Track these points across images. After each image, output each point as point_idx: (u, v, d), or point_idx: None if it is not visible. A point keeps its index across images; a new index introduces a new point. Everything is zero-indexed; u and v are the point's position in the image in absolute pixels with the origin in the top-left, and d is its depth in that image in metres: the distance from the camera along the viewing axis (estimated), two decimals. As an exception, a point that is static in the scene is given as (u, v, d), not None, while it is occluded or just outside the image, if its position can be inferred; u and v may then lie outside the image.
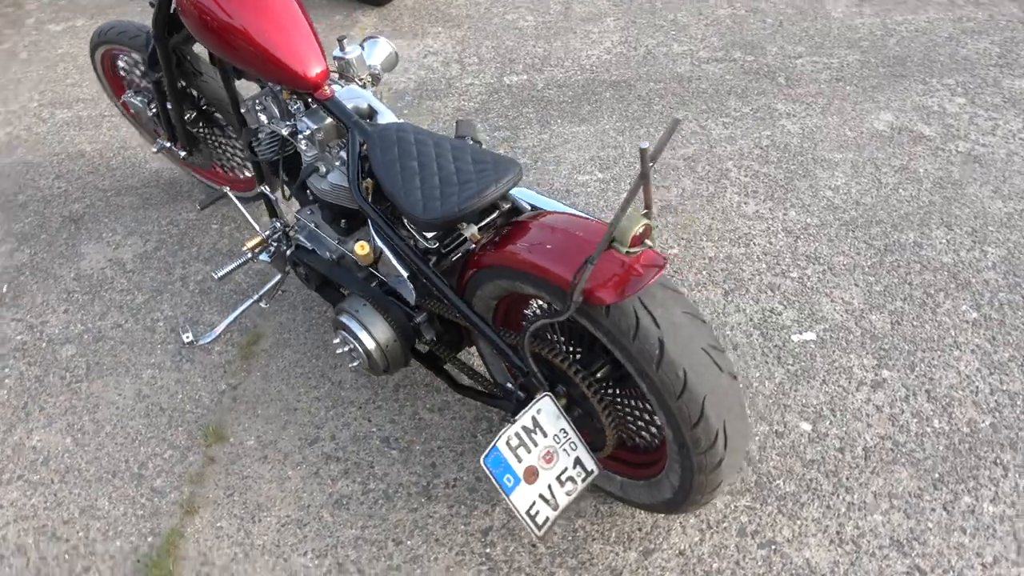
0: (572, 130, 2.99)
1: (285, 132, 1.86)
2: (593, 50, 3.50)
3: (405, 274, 1.68)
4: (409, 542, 1.70)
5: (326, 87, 1.75)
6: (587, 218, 1.48)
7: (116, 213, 2.69)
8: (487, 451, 1.41)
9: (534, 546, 1.68)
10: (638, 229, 1.23)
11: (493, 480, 1.43)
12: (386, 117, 1.84)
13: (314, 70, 1.72)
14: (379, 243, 1.69)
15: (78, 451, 1.93)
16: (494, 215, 1.67)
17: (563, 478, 1.51)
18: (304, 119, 1.80)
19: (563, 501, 1.51)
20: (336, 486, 1.82)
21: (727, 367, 1.36)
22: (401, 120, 1.83)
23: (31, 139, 3.13)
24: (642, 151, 1.11)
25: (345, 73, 1.97)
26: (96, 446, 1.93)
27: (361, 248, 1.67)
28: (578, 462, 1.52)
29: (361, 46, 2.06)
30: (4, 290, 2.41)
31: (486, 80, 3.34)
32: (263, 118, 1.93)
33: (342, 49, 1.94)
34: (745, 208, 2.56)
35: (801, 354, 2.07)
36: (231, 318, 2.04)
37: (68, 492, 1.83)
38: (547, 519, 1.49)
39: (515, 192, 1.75)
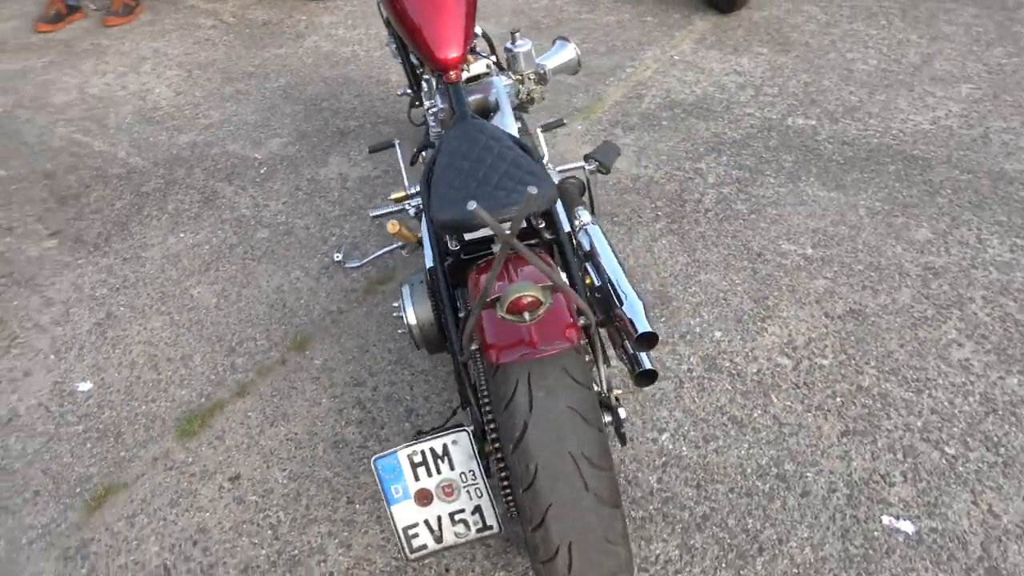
0: (818, 194, 2.64)
1: (427, 105, 1.99)
2: (917, 116, 2.99)
3: (428, 265, 1.72)
4: (359, 506, 1.80)
5: (455, 72, 1.83)
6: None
7: (382, 138, 3.11)
8: (384, 453, 1.42)
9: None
10: (521, 296, 1.13)
11: (379, 483, 1.44)
12: (504, 118, 1.86)
13: (448, 53, 1.81)
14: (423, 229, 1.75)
15: (212, 312, 2.36)
16: (535, 241, 1.62)
17: (456, 518, 1.46)
18: (436, 96, 1.90)
19: (449, 539, 1.47)
20: (345, 430, 1.97)
21: (598, 487, 1.19)
22: (516, 129, 1.84)
23: (363, 60, 3.71)
24: (529, 195, 1.01)
25: (511, 66, 2.02)
26: (225, 314, 2.34)
27: (392, 227, 1.74)
28: (478, 510, 1.46)
29: (553, 43, 2.08)
30: (262, 171, 2.96)
31: (768, 115, 3.07)
32: (425, 88, 2.08)
33: (512, 42, 1.99)
34: (953, 351, 2.05)
35: (878, 541, 1.65)
36: (376, 254, 2.27)
37: (186, 339, 2.27)
38: (424, 547, 1.47)
39: (591, 229, 1.67)
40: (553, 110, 3.21)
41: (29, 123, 3.35)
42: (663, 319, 2.22)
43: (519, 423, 1.20)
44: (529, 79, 2.02)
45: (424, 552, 1.46)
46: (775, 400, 1.98)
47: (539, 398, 1.20)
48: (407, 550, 1.46)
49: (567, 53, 2.10)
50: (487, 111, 1.89)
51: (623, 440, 1.56)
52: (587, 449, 1.19)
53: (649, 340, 1.47)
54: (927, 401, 1.94)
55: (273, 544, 1.74)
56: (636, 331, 1.47)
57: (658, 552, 1.68)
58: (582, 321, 1.24)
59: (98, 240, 2.67)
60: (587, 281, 1.64)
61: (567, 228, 1.70)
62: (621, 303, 1.53)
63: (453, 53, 1.82)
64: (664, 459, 1.86)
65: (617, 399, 1.54)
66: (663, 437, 1.91)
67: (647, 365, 1.50)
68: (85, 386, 2.14)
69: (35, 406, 2.10)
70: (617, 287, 1.55)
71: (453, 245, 1.64)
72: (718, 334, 2.17)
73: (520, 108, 2.15)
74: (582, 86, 3.38)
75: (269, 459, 1.92)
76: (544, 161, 1.97)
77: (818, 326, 2.17)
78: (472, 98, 1.87)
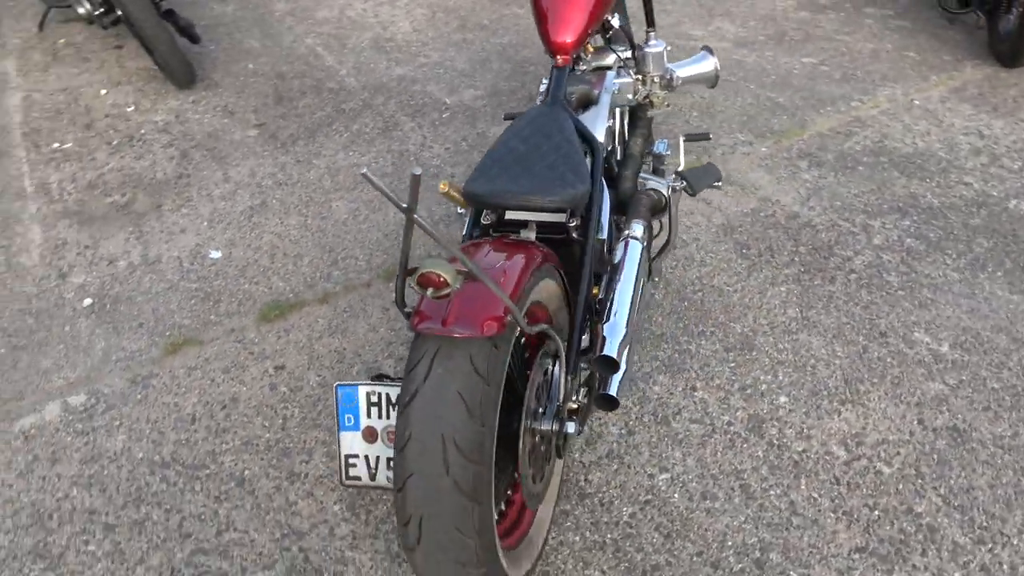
0: (995, 292, 2.28)
1: (542, 85, 2.02)
2: None
3: (463, 234, 1.78)
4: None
5: (562, 57, 1.83)
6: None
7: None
8: (348, 383, 1.54)
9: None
10: (429, 272, 1.15)
11: (335, 407, 1.56)
12: (598, 114, 1.83)
13: (559, 38, 1.82)
14: None
15: (338, 226, 2.61)
16: (562, 236, 1.62)
17: (392, 464, 1.54)
18: (545, 78, 1.93)
19: (380, 481, 1.56)
20: (384, 362, 2.12)
21: (460, 476, 1.20)
22: (606, 127, 1.81)
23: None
24: (413, 175, 1.06)
25: (639, 65, 1.98)
26: (347, 231, 2.59)
27: (442, 186, 1.80)
28: (410, 464, 1.52)
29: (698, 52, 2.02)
30: (444, 115, 3.17)
31: (989, 190, 2.68)
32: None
33: (645, 42, 1.95)
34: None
35: None
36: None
37: (306, 241, 2.55)
38: (358, 479, 1.57)
39: (631, 244, 1.64)
40: (750, 127, 3.05)
41: (290, 30, 3.86)
42: (732, 363, 2.08)
43: (411, 389, 1.24)
44: (653, 81, 1.96)
45: (357, 483, 1.57)
46: (803, 486, 1.79)
47: (436, 373, 1.23)
48: (343, 475, 1.57)
49: (705, 65, 2.00)
50: (589, 103, 1.88)
51: (558, 453, 1.53)
52: (460, 437, 1.20)
53: (609, 365, 1.43)
54: (983, 556, 1.64)
55: (277, 433, 1.95)
56: (600, 351, 1.43)
57: (590, 581, 1.63)
58: (508, 318, 1.24)
59: (287, 140, 3.05)
60: (594, 291, 1.61)
61: (603, 235, 1.67)
62: (605, 320, 1.49)
63: (564, 39, 1.82)
64: (649, 497, 1.78)
65: (571, 413, 1.51)
66: (661, 476, 1.82)
67: (611, 391, 1.45)
68: (215, 254, 2.50)
69: (174, 258, 2.50)
70: (613, 305, 1.51)
71: (485, 219, 1.69)
72: (783, 399, 1.99)
73: (640, 109, 2.09)
74: (790, 108, 3.16)
75: (313, 362, 2.13)
76: (678, 170, 1.92)
77: (903, 431, 1.90)
78: (578, 87, 1.87)
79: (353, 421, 1.56)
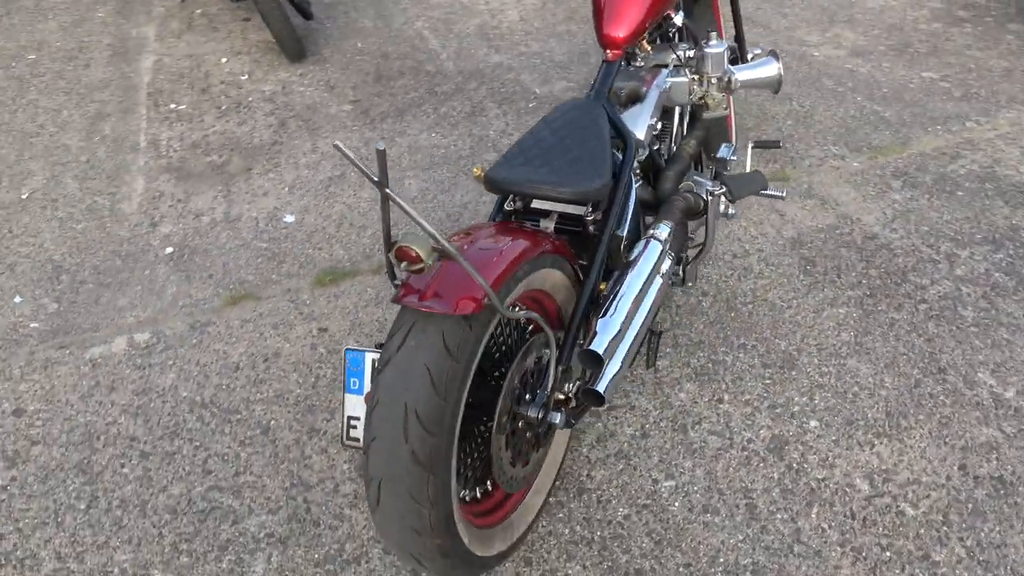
0: (1083, 338, 2.08)
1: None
2: None
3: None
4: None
5: (611, 52, 1.82)
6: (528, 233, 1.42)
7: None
8: (357, 348, 1.61)
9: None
10: (405, 246, 1.19)
11: (343, 369, 1.64)
12: (642, 110, 1.81)
13: (612, 32, 1.81)
14: None
15: (406, 202, 2.70)
16: (577, 228, 1.63)
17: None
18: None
19: (375, 444, 1.62)
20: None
21: (417, 446, 1.24)
22: (645, 131, 1.79)
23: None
24: (379, 152, 1.11)
25: (698, 65, 1.94)
26: (413, 207, 2.68)
27: (476, 171, 1.83)
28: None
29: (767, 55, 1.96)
30: (531, 105, 3.20)
31: (1103, 228, 2.43)
32: None
33: (707, 41, 1.91)
34: None
35: None
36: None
37: (372, 215, 2.65)
38: (357, 440, 1.64)
39: (651, 245, 1.63)
40: (846, 140, 2.91)
41: (403, 12, 4.00)
42: (767, 380, 2.01)
43: (385, 358, 1.29)
44: (710, 82, 1.91)
45: (355, 444, 1.64)
46: (814, 515, 1.71)
47: (408, 346, 1.27)
48: (344, 435, 1.64)
49: (767, 71, 1.93)
50: (637, 99, 1.86)
51: (537, 442, 1.54)
52: (421, 408, 1.24)
53: (593, 360, 1.43)
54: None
55: (308, 390, 2.06)
56: (587, 345, 1.43)
57: (571, 573, 1.63)
58: (486, 300, 1.26)
59: (377, 116, 3.17)
60: (601, 286, 1.60)
61: (623, 231, 1.66)
62: (602, 315, 1.48)
63: (617, 33, 1.81)
64: (648, 502, 1.76)
65: (558, 404, 1.52)
66: (665, 483, 1.79)
67: (599, 387, 1.45)
68: (289, 219, 2.66)
69: (252, 218, 2.68)
70: (614, 302, 1.50)
71: (509, 205, 1.71)
72: (813, 423, 1.91)
73: (698, 110, 2.04)
74: (895, 123, 2.98)
75: (354, 329, 2.23)
76: (725, 174, 1.88)
77: (939, 474, 1.78)
78: (628, 83, 1.86)
79: (358, 385, 1.62)
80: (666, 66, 1.95)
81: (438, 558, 1.34)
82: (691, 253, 1.97)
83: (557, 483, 1.78)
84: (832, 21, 3.80)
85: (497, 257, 1.35)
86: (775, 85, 1.95)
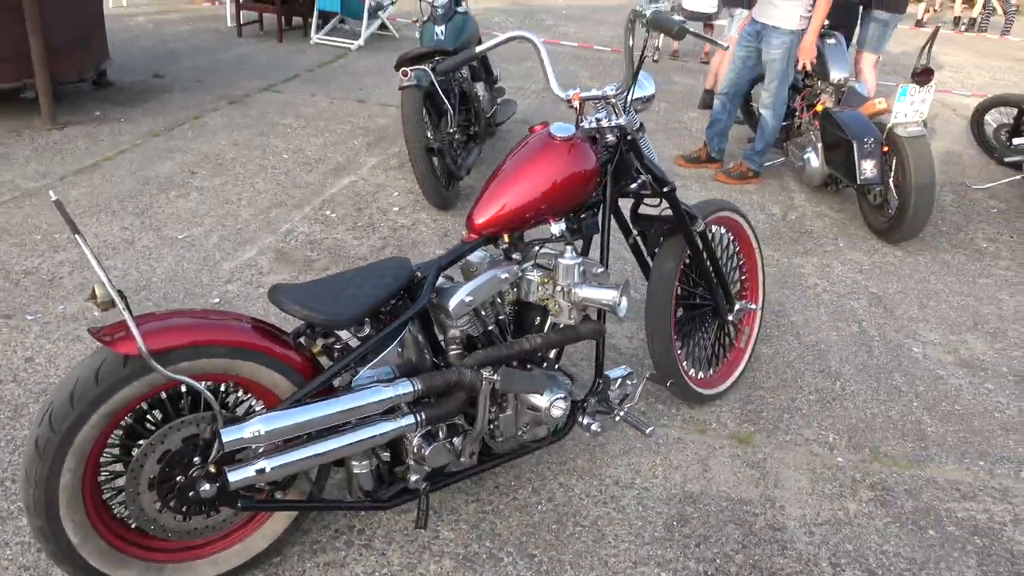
0: None
1: None
2: None
3: None
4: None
5: (466, 235, 2.04)
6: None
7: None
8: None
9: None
10: (96, 287, 1.57)
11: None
12: (462, 288, 1.96)
13: (474, 218, 2.01)
14: None
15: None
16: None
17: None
18: None
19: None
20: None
21: (40, 433, 1.57)
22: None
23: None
24: (56, 203, 1.54)
25: (553, 272, 2.07)
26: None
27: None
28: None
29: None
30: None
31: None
32: None
33: (562, 253, 2.04)
34: None
35: None
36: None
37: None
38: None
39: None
40: (853, 435, 2.64)
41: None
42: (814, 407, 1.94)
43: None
44: (557, 289, 2.04)
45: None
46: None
47: (84, 360, 1.64)
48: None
49: (604, 295, 1.98)
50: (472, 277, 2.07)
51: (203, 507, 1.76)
52: (55, 412, 1.58)
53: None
54: None
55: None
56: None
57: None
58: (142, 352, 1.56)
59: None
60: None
61: (364, 365, 1.86)
62: (267, 411, 1.69)
63: (477, 220, 2.00)
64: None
65: (210, 475, 1.73)
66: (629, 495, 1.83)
67: (230, 476, 1.68)
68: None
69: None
70: (289, 408, 1.71)
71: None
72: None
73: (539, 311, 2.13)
74: (932, 440, 2.62)
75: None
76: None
77: None
78: (477, 262, 2.11)
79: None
80: (518, 261, 2.09)
81: (39, 537, 1.63)
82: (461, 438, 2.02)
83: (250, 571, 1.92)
84: (973, 327, 3.42)
85: (185, 328, 1.66)
86: (612, 310, 1.99)
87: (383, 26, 8.47)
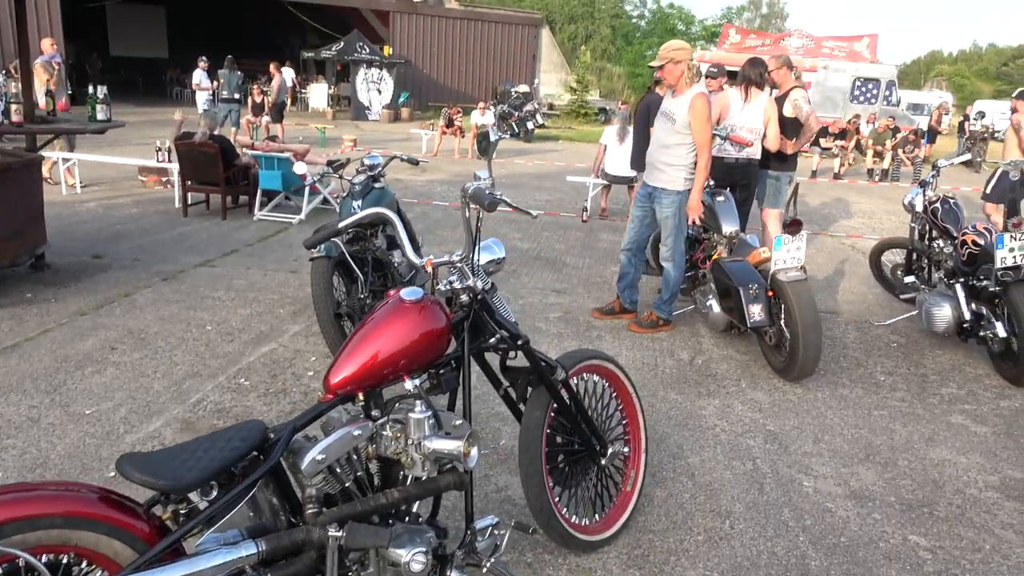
0: None
1: None
2: None
3: None
4: None
5: (323, 396, 2.14)
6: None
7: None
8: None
9: None
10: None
11: None
12: (316, 446, 2.04)
13: (329, 378, 2.09)
14: None
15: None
16: None
17: None
18: None
19: None
20: None
21: None
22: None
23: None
24: None
25: (404, 427, 2.16)
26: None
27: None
28: None
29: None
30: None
31: None
32: None
33: (412, 408, 2.14)
34: None
35: None
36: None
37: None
38: None
39: None
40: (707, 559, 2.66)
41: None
42: None
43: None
44: (409, 443, 2.12)
45: None
46: None
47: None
48: None
49: (450, 446, 2.08)
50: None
51: None
52: None
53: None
54: None
55: None
56: None
57: None
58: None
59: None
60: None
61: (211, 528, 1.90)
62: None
63: (332, 379, 2.08)
64: None
65: None
66: None
67: None
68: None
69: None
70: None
71: None
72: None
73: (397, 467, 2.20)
74: (812, 574, 2.64)
75: None
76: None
77: None
78: (333, 419, 2.15)
79: None
80: (376, 417, 2.18)
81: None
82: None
83: None
84: (865, 458, 3.52)
85: (16, 502, 1.70)
86: (459, 460, 2.07)
87: (325, 200, 8.92)
